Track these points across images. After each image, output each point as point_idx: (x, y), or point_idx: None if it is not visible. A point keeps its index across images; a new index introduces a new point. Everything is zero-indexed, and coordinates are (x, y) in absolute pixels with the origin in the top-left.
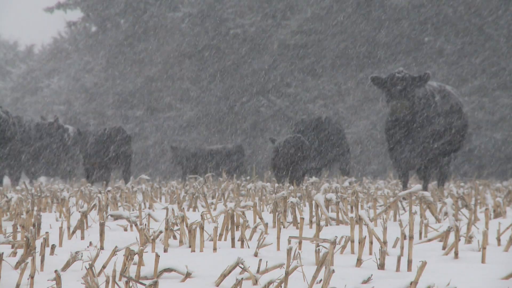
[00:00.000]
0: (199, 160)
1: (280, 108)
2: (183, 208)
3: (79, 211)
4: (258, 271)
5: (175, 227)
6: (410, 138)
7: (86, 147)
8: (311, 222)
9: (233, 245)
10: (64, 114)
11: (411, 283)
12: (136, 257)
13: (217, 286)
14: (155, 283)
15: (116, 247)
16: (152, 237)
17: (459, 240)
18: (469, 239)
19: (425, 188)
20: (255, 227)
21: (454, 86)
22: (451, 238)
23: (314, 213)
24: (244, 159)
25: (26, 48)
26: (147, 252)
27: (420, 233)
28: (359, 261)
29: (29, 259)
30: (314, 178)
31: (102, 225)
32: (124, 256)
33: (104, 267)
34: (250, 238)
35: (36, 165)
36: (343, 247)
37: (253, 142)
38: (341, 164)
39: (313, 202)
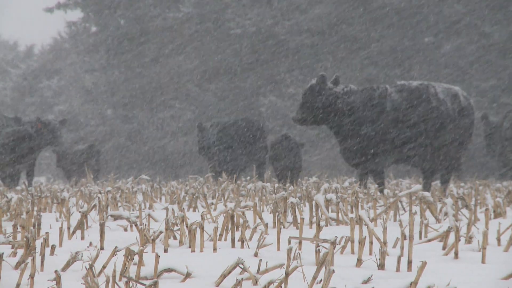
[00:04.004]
0: (68, 162)
1: (280, 108)
2: (183, 208)
3: (79, 211)
4: (258, 271)
5: (175, 227)
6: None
7: None
8: (311, 222)
9: (233, 245)
10: (64, 114)
11: (411, 283)
12: (136, 257)
13: (217, 286)
14: (155, 283)
15: (116, 247)
16: (152, 237)
17: (459, 240)
18: (469, 239)
19: (427, 188)
20: (255, 227)
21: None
22: (451, 238)
23: (314, 213)
24: (95, 159)
25: (26, 48)
26: (147, 252)
27: (420, 233)
28: (359, 261)
29: (29, 259)
30: (314, 178)
31: (102, 225)
32: (124, 256)
33: (104, 267)
34: (250, 238)
35: None
36: (343, 247)
37: None
38: (257, 166)
39: (313, 202)
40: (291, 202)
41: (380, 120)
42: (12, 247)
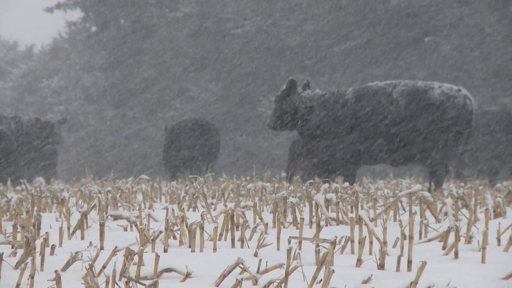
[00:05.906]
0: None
1: None
2: (183, 208)
3: (79, 211)
4: (258, 271)
5: (175, 227)
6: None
7: None
8: (311, 222)
9: (233, 245)
10: (64, 114)
11: (411, 283)
12: (136, 257)
13: (217, 286)
14: (155, 283)
15: (116, 247)
16: (152, 237)
17: (459, 240)
18: (469, 239)
19: (429, 189)
20: (255, 227)
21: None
22: (451, 238)
23: (314, 213)
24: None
25: (26, 48)
26: (147, 252)
27: (420, 233)
28: (359, 261)
29: (29, 259)
30: (316, 179)
31: (102, 225)
32: (124, 256)
33: (104, 267)
34: (250, 238)
35: None
36: (343, 247)
37: (253, 142)
38: (207, 163)
39: (313, 202)
40: (291, 202)
41: (334, 124)
42: (12, 247)
